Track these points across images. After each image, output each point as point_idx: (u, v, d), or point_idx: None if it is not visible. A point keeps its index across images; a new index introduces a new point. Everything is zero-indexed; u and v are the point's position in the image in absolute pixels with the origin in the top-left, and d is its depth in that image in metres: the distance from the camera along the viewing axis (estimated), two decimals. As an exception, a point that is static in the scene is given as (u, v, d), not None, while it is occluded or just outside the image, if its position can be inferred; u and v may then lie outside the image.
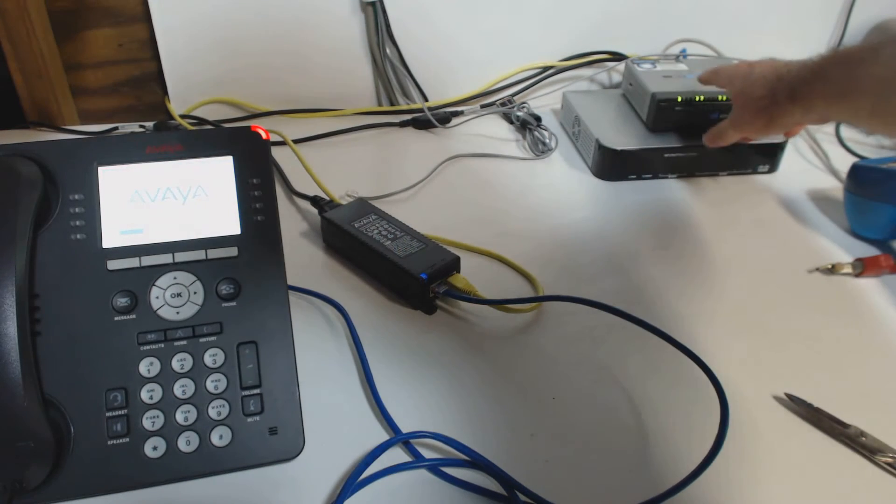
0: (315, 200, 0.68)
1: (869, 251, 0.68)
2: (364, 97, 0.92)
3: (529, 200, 0.75)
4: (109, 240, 0.45)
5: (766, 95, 0.64)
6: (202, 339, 0.45)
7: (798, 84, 0.61)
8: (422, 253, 0.59)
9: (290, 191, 0.73)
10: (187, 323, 0.45)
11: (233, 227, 0.47)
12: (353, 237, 0.61)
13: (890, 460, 0.46)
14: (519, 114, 0.88)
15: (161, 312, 0.44)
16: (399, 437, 0.47)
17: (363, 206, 0.65)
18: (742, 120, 0.69)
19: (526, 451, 0.47)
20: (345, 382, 0.52)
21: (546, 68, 0.94)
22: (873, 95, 0.53)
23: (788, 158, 0.82)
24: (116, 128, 0.84)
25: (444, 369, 0.53)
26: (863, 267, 0.64)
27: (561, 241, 0.68)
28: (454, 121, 0.89)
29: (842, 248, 0.69)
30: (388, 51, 0.87)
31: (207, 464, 0.43)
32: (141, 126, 0.84)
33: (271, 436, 0.44)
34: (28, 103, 0.81)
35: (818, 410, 0.50)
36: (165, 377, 0.44)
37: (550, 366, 0.54)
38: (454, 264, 0.59)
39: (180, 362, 0.44)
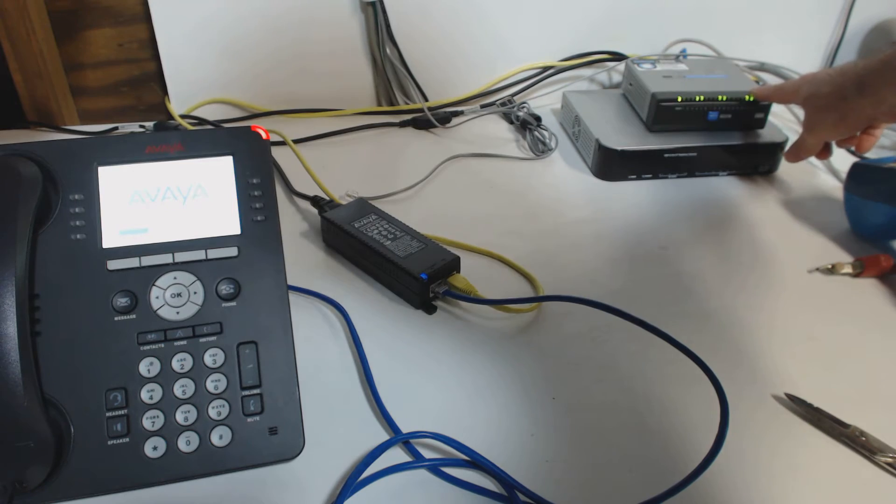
0: (315, 200, 0.68)
1: (869, 251, 0.68)
2: (364, 97, 0.92)
3: (529, 200, 0.75)
4: (109, 240, 0.45)
5: (832, 91, 0.64)
6: (202, 339, 0.45)
7: (866, 75, 0.61)
8: (422, 253, 0.59)
9: (290, 191, 0.73)
10: (187, 323, 0.45)
11: (233, 227, 0.47)
12: (353, 237, 0.61)
13: (890, 460, 0.46)
14: (519, 114, 0.88)
15: (161, 312, 0.44)
16: (399, 437, 0.47)
17: (363, 206, 0.65)
18: (813, 121, 0.69)
19: (526, 451, 0.47)
20: (345, 382, 0.52)
21: (546, 68, 0.94)
22: None
23: (788, 158, 0.82)
24: (116, 128, 0.84)
25: (444, 369, 0.53)
26: (863, 267, 0.64)
27: (561, 241, 0.68)
28: (454, 121, 0.89)
29: (842, 248, 0.69)
30: (388, 51, 0.88)
31: (207, 464, 0.43)
32: (141, 126, 0.83)
33: (271, 436, 0.44)
34: (28, 103, 0.81)
35: (818, 410, 0.50)
36: (165, 377, 0.44)
37: (550, 366, 0.54)
38: (454, 264, 0.59)
39: (180, 362, 0.44)
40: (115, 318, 0.44)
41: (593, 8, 0.92)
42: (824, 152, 0.75)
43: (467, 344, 0.56)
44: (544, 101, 0.95)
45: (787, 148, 0.76)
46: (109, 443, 0.42)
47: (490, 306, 0.58)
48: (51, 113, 0.82)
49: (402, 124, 0.88)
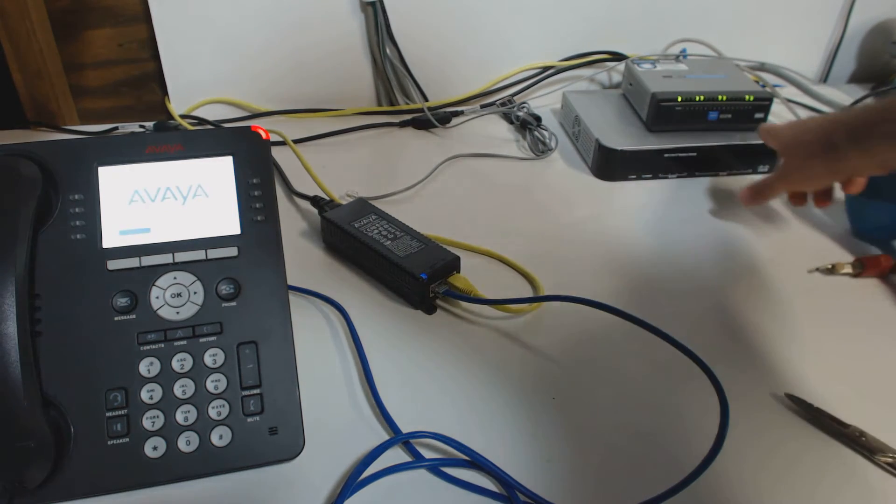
0: (315, 200, 0.68)
1: (869, 251, 0.68)
2: (364, 97, 0.92)
3: (529, 200, 0.75)
4: (109, 240, 0.45)
5: (819, 139, 0.60)
6: (202, 339, 0.45)
7: (859, 124, 0.57)
8: (422, 253, 0.59)
9: (290, 191, 0.73)
10: (187, 323, 0.45)
11: (233, 227, 0.47)
12: (353, 237, 0.61)
13: (890, 460, 0.46)
14: (519, 114, 0.88)
15: (161, 312, 0.44)
16: (399, 437, 0.47)
17: (363, 206, 0.65)
18: (791, 168, 0.65)
19: (526, 451, 0.47)
20: (345, 382, 0.52)
21: (546, 68, 0.94)
22: None
23: (788, 158, 0.82)
24: (116, 128, 0.84)
25: (444, 369, 0.53)
26: (863, 267, 0.64)
27: (561, 241, 0.68)
28: (454, 121, 0.89)
29: (842, 248, 0.69)
30: (388, 51, 0.87)
31: (207, 464, 0.43)
32: (141, 126, 0.84)
33: (271, 436, 0.44)
34: (28, 103, 0.81)
35: (818, 410, 0.50)
36: (165, 377, 0.44)
37: (550, 366, 0.54)
38: (454, 264, 0.59)
39: (180, 362, 0.44)
40: (115, 318, 0.44)
41: (593, 8, 0.92)
42: (802, 199, 0.69)
43: (467, 344, 0.56)
44: (544, 101, 0.95)
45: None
46: (109, 443, 0.42)
47: (490, 306, 0.58)
48: (51, 113, 0.82)
49: (402, 124, 0.88)
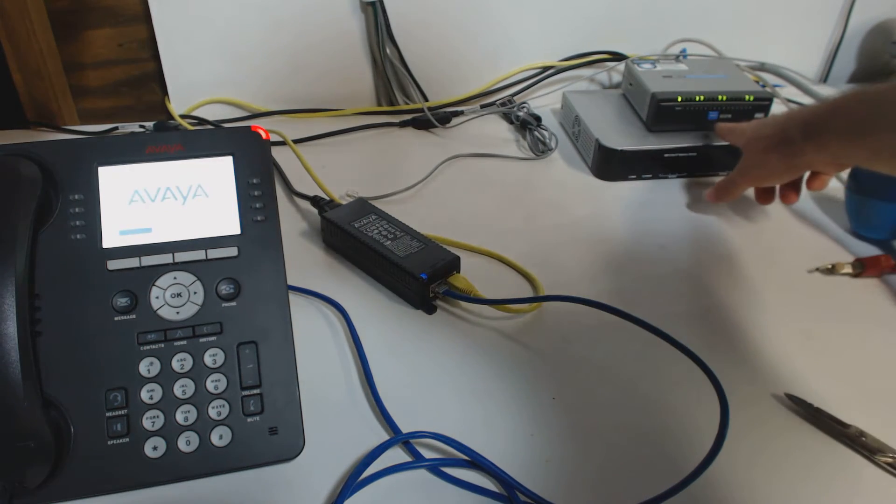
0: (315, 200, 0.68)
1: (869, 251, 0.68)
2: (364, 97, 0.92)
3: (529, 200, 0.75)
4: (109, 240, 0.45)
5: (775, 133, 0.62)
6: (202, 339, 0.45)
7: (813, 119, 0.58)
8: (422, 253, 0.59)
9: (290, 191, 0.73)
10: (187, 323, 0.45)
11: (233, 227, 0.47)
12: (353, 237, 0.61)
13: (890, 460, 0.46)
14: (519, 114, 0.88)
15: (161, 312, 0.44)
16: (399, 437, 0.47)
17: (363, 206, 0.65)
18: (750, 164, 0.66)
19: (526, 451, 0.47)
20: (345, 382, 0.52)
21: (546, 68, 0.94)
22: None
23: (788, 158, 0.82)
24: (116, 128, 0.84)
25: (444, 369, 0.53)
26: (863, 267, 0.64)
27: (561, 241, 0.68)
28: (454, 121, 0.89)
29: (842, 248, 0.69)
30: (388, 51, 0.88)
31: (207, 464, 0.43)
32: (141, 126, 0.83)
33: (271, 436, 0.44)
34: (28, 103, 0.81)
35: (818, 410, 0.50)
36: (165, 377, 0.44)
37: (550, 366, 0.54)
38: (454, 264, 0.59)
39: (180, 362, 0.44)
40: (116, 318, 0.44)
41: (593, 8, 0.92)
42: (768, 196, 0.70)
43: (467, 344, 0.56)
44: (544, 101, 0.95)
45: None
46: (109, 443, 0.42)
47: (490, 306, 0.58)
48: (51, 113, 0.82)
49: (402, 124, 0.88)
